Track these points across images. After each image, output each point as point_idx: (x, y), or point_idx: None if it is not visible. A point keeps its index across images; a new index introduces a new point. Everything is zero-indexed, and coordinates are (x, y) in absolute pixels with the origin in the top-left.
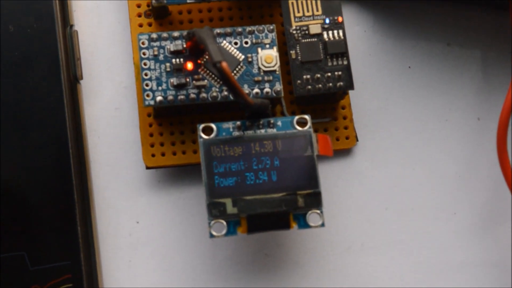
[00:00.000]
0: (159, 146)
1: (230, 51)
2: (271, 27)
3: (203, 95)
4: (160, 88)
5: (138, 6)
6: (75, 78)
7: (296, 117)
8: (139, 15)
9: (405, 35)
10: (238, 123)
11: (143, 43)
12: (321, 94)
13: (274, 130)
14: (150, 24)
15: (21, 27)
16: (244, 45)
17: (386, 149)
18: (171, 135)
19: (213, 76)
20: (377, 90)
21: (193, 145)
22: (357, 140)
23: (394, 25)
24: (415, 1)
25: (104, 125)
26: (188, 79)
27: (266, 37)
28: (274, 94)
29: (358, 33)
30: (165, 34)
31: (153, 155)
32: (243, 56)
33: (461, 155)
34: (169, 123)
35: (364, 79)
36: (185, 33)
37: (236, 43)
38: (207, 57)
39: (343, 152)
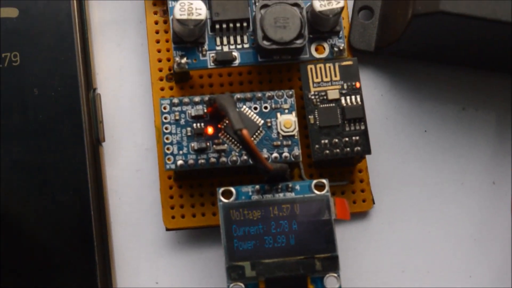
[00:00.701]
0: (179, 208)
1: (250, 116)
2: (290, 93)
3: (223, 159)
4: (181, 152)
5: (160, 70)
6: (97, 141)
7: (314, 181)
8: (161, 79)
9: (421, 99)
10: (257, 187)
11: (165, 108)
12: (338, 158)
13: (293, 194)
14: (171, 88)
15: (45, 90)
16: (264, 110)
17: (403, 212)
18: (191, 197)
19: (232, 140)
20: (393, 154)
21: (213, 208)
22: (374, 203)
23: (410, 89)
24: (431, 65)
25: (125, 186)
26: (208, 144)
27: (285, 102)
28: (292, 159)
29: (375, 96)
30: (186, 99)
31: (173, 217)
32: (262, 121)
33: (476, 218)
34: (189, 185)
35: (381, 142)
36: (206, 98)
37: (255, 108)
38: (227, 122)
39: (360, 215)
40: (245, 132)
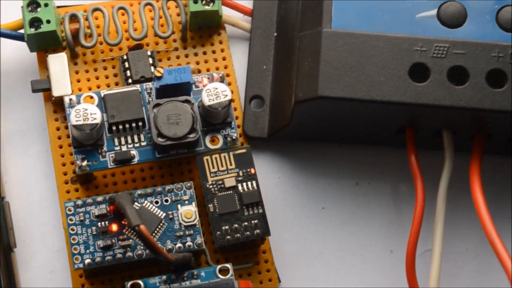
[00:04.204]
0: None
1: (152, 210)
2: (189, 184)
3: (129, 254)
4: (88, 251)
5: (65, 173)
6: (8, 247)
7: (218, 267)
8: (66, 182)
9: (316, 177)
10: (164, 277)
11: (69, 210)
12: (240, 242)
13: (198, 281)
14: (77, 190)
15: None
16: (165, 203)
17: (308, 286)
18: None
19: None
20: (295, 232)
21: None
22: (280, 281)
23: (305, 169)
24: (323, 145)
25: None
26: (114, 240)
27: (185, 194)
28: (196, 247)
29: (273, 180)
30: (89, 200)
31: None
32: (164, 214)
33: (377, 286)
34: (100, 282)
35: (282, 222)
36: (108, 197)
37: (157, 202)
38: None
39: None
40: (142, 227)
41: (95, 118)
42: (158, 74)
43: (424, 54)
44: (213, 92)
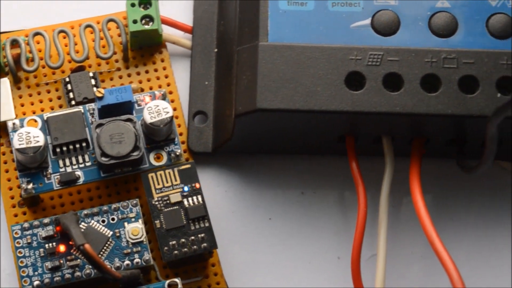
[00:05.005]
0: None
1: (99, 229)
2: (134, 202)
3: (78, 273)
4: (36, 273)
5: (12, 197)
6: None
7: (167, 282)
8: (14, 206)
9: (262, 189)
10: None
11: (16, 233)
12: (189, 256)
13: None
14: (24, 213)
15: None
16: (111, 221)
17: None
18: None
19: None
20: (243, 244)
21: None
22: None
23: (251, 181)
24: (268, 157)
25: None
26: (62, 261)
27: (131, 212)
28: (144, 263)
29: (219, 193)
30: (36, 222)
31: None
32: (111, 232)
33: None
34: None
35: (230, 235)
36: (54, 218)
37: (103, 221)
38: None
39: None
40: (87, 246)
41: (38, 141)
42: (99, 95)
43: (359, 62)
44: (154, 110)
